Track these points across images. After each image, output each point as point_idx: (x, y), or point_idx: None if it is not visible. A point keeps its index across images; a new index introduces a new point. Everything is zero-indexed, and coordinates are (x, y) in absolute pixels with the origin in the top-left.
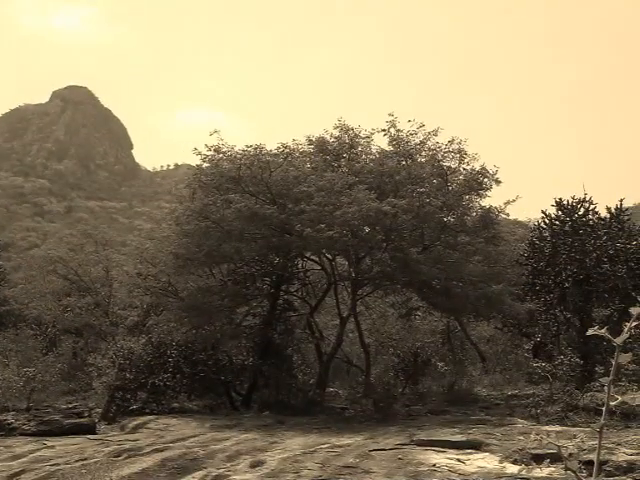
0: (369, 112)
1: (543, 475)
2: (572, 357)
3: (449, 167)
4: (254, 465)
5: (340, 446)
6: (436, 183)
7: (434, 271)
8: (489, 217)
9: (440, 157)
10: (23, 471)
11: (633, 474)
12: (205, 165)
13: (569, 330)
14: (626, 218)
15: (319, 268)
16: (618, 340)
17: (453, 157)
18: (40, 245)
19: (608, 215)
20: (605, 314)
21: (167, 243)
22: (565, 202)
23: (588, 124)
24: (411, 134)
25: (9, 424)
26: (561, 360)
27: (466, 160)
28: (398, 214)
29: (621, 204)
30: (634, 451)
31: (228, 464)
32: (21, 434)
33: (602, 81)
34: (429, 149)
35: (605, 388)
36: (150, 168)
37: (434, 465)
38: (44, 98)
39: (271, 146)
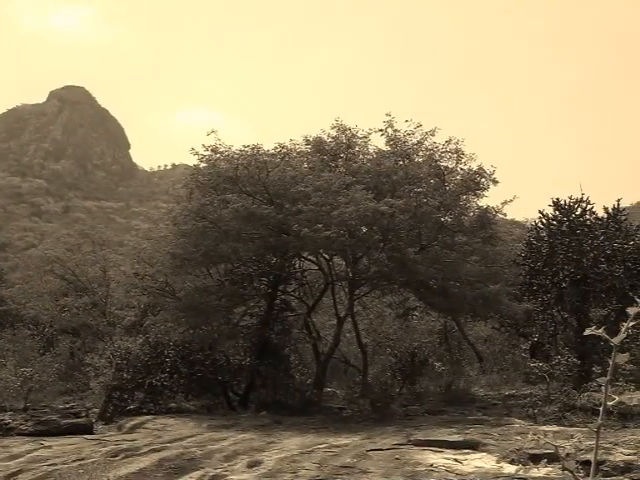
0: (368, 112)
1: (540, 475)
2: (569, 357)
3: (446, 167)
4: (251, 465)
5: (337, 446)
6: (433, 183)
7: (431, 271)
8: (486, 217)
9: (437, 157)
10: (20, 471)
11: (630, 474)
12: (202, 165)
13: (566, 330)
14: (623, 218)
15: (316, 268)
16: (615, 340)
17: (450, 157)
18: (37, 245)
19: (605, 215)
20: (602, 314)
21: (164, 243)
22: (562, 202)
23: (585, 124)
24: (408, 134)
25: (6, 424)
26: (558, 360)
27: (463, 160)
28: (395, 214)
29: (618, 204)
30: (631, 451)
31: (225, 464)
32: (18, 434)
33: (599, 81)
34: (426, 149)
35: (602, 388)
36: (147, 168)
37: (431, 465)
38: (41, 98)
39: (268, 146)
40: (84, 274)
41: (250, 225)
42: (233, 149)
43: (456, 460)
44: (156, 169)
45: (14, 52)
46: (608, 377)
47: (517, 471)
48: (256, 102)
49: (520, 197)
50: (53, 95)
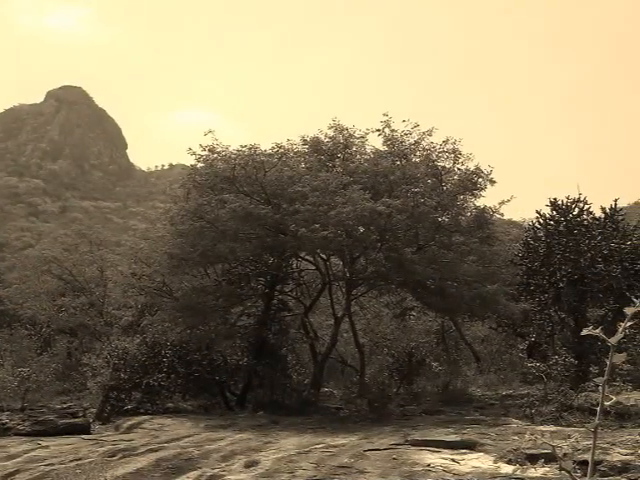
0: (366, 112)
1: (537, 475)
2: (566, 357)
3: (443, 167)
4: (248, 465)
5: (335, 446)
6: (430, 183)
7: (428, 271)
8: (484, 217)
9: (434, 157)
10: (18, 471)
11: (627, 474)
12: (199, 165)
13: (563, 330)
14: (620, 218)
15: (313, 268)
16: (612, 340)
17: (447, 157)
18: (34, 245)
19: (602, 215)
20: (599, 314)
21: (161, 243)
22: (560, 202)
23: (583, 124)
24: (405, 134)
25: (3, 424)
26: (555, 360)
27: (460, 160)
28: (392, 214)
29: (615, 204)
30: (628, 451)
31: (223, 464)
32: (15, 434)
33: (596, 81)
34: (423, 149)
35: (599, 388)
36: (145, 168)
37: (428, 465)
38: (39, 98)
39: (266, 146)
40: (81, 274)
41: (247, 225)
42: (230, 149)
43: (453, 460)
44: (153, 169)
45: (11, 52)
46: (605, 377)
47: (514, 471)
48: (253, 102)
49: (517, 197)
50: (50, 95)
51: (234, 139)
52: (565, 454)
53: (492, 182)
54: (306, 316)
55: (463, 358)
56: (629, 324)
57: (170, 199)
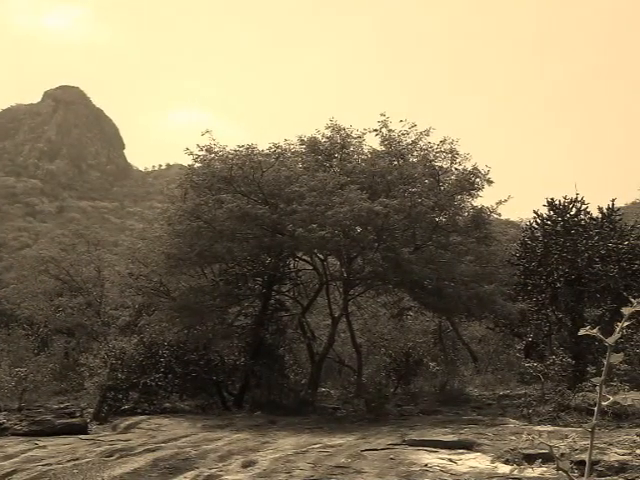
0: (361, 112)
1: (535, 475)
2: (564, 357)
3: (441, 167)
4: (246, 465)
5: (332, 446)
6: (428, 183)
7: (426, 271)
8: (481, 217)
9: (432, 157)
10: (15, 471)
11: (625, 474)
12: (197, 165)
13: (561, 330)
14: (618, 218)
15: (311, 268)
16: (610, 340)
17: (445, 157)
18: (32, 245)
19: (600, 215)
20: (597, 314)
21: (159, 243)
22: (557, 202)
23: (580, 124)
24: (403, 134)
25: (1, 424)
26: (553, 360)
27: (458, 160)
28: (390, 214)
29: (613, 204)
30: (626, 451)
31: (220, 464)
32: (13, 434)
33: (594, 81)
34: (421, 149)
35: (597, 388)
36: (142, 168)
37: (426, 465)
38: (36, 98)
39: (263, 146)
40: (79, 274)
41: (244, 225)
42: (227, 149)
43: (450, 460)
44: (151, 169)
45: (8, 52)
46: (602, 377)
47: (511, 471)
48: (251, 102)
49: (514, 197)
50: (47, 95)
51: (231, 139)
52: (562, 454)
53: (489, 182)
54: (303, 316)
55: (460, 358)
56: (626, 324)
57: (167, 199)
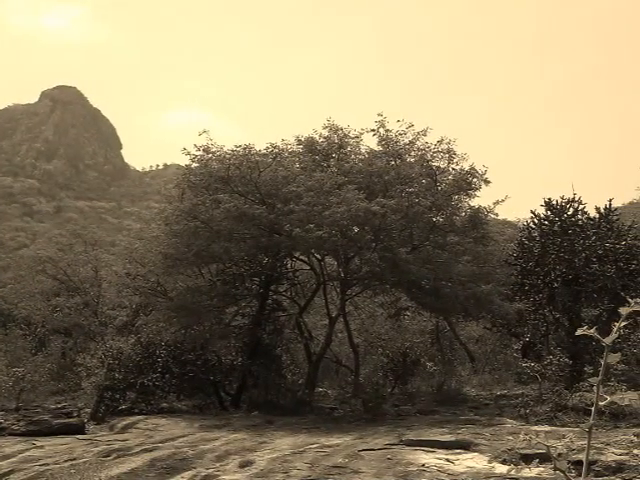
0: (361, 112)
1: (532, 475)
2: (561, 357)
3: (438, 167)
4: (243, 465)
5: (329, 446)
6: (425, 183)
7: (423, 271)
8: (478, 217)
9: (429, 157)
10: (12, 471)
11: (622, 474)
12: (194, 165)
13: (558, 330)
14: (615, 218)
15: (308, 268)
16: (607, 340)
17: (442, 157)
18: (29, 245)
19: (597, 215)
20: (594, 314)
21: (156, 243)
22: (554, 202)
23: (577, 124)
24: (400, 134)
25: None
26: (550, 360)
27: (455, 160)
28: (387, 214)
29: (610, 204)
30: (623, 451)
31: (217, 464)
32: (10, 434)
33: (591, 81)
34: (418, 149)
35: (594, 388)
36: (139, 168)
37: (423, 465)
38: (33, 98)
39: (260, 146)
40: (76, 274)
41: (242, 225)
42: (225, 149)
43: (448, 460)
44: (148, 169)
45: (6, 52)
46: (600, 377)
47: (509, 471)
48: (248, 102)
49: (512, 197)
50: (45, 95)
51: (229, 139)
52: (560, 454)
53: (487, 182)
54: (300, 316)
55: (458, 358)
56: (624, 324)
57: (165, 199)
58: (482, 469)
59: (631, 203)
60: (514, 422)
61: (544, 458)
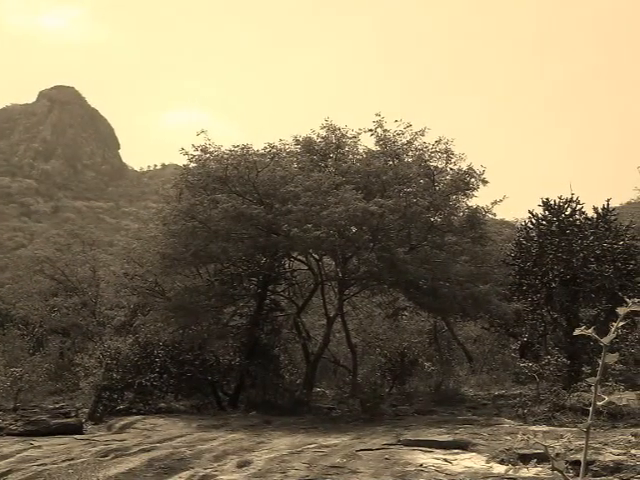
0: (361, 112)
1: (530, 475)
2: (559, 357)
3: (436, 167)
4: (241, 465)
5: (327, 446)
6: (423, 183)
7: (421, 271)
8: (476, 217)
9: (427, 157)
10: (10, 471)
11: (620, 474)
12: (192, 165)
13: (556, 330)
14: (613, 218)
15: (306, 268)
16: (605, 340)
17: (440, 157)
18: (27, 245)
19: (595, 215)
20: (592, 314)
21: (154, 243)
22: (552, 202)
23: (575, 124)
24: (398, 134)
25: None
26: (548, 360)
27: (453, 160)
28: (385, 214)
29: (608, 204)
30: (621, 451)
31: (215, 464)
32: (8, 434)
33: (588, 81)
34: (416, 149)
35: (592, 388)
36: (137, 168)
37: (421, 465)
38: (31, 98)
39: (258, 146)
40: (74, 274)
41: (240, 225)
42: (223, 149)
43: (446, 460)
44: (146, 169)
45: (4, 52)
46: (598, 377)
47: (507, 471)
48: (246, 102)
49: (510, 197)
50: (43, 95)
51: (227, 139)
52: (557, 454)
53: (484, 182)
54: (298, 316)
55: (455, 358)
56: (621, 324)
57: (162, 199)
58: (480, 469)
59: (629, 203)
60: (512, 422)
61: (542, 458)
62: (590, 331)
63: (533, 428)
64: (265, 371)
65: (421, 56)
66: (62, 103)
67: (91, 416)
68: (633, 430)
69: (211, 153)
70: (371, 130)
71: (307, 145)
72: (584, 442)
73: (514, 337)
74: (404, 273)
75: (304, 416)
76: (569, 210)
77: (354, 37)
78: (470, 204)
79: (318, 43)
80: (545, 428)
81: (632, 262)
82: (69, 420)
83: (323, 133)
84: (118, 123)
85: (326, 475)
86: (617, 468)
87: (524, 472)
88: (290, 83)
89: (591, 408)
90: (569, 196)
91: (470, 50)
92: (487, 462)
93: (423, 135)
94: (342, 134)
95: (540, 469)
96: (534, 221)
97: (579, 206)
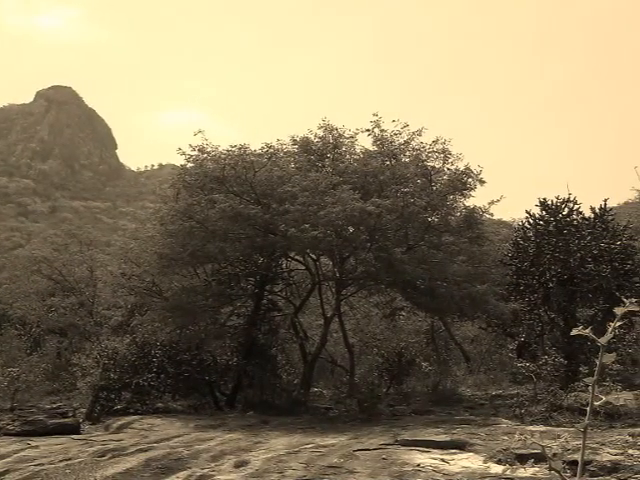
0: (358, 112)
1: (527, 475)
2: (556, 357)
3: (433, 167)
4: (238, 465)
5: (324, 446)
6: (420, 183)
7: (418, 271)
8: (473, 217)
9: (424, 157)
10: (7, 471)
11: (617, 474)
12: (189, 165)
13: (553, 330)
14: (610, 218)
15: (303, 268)
16: (602, 340)
17: (437, 157)
18: (24, 245)
19: (592, 215)
20: (589, 314)
21: (151, 243)
22: (549, 202)
23: (573, 124)
24: (395, 134)
25: None
26: (545, 360)
27: (450, 160)
28: (382, 214)
29: (605, 204)
30: (618, 451)
31: (212, 464)
32: (5, 434)
33: (586, 81)
34: (413, 149)
35: (589, 388)
36: (134, 168)
37: (418, 465)
38: (28, 98)
39: (255, 146)
40: (71, 274)
41: (237, 225)
42: (220, 149)
43: (443, 460)
44: (143, 169)
45: (1, 52)
46: (595, 377)
47: (504, 471)
48: (243, 102)
49: (507, 197)
50: (40, 95)
51: (224, 139)
52: (555, 454)
53: (482, 182)
54: (296, 316)
55: (453, 358)
56: (619, 324)
57: (160, 199)
58: (477, 469)
59: (626, 203)
60: (509, 422)
61: (539, 458)
62: (587, 331)
63: (530, 428)
64: (262, 371)
65: (420, 56)
66: (59, 103)
67: (88, 416)
68: (630, 430)
69: (208, 153)
70: (368, 130)
71: (304, 145)
72: (581, 442)
73: (511, 337)
74: (401, 273)
75: (301, 416)
76: (566, 210)
77: (353, 37)
78: (467, 204)
79: (317, 43)
80: (542, 428)
81: (629, 262)
82: (66, 420)
83: (320, 133)
84: (115, 123)
85: (323, 475)
86: (614, 468)
87: (521, 472)
88: (289, 83)
89: (588, 408)
90: (566, 196)
91: (469, 50)
92: (484, 462)
93: (420, 135)
94: (339, 134)
95: (537, 469)
96: (531, 221)
97: (576, 206)
